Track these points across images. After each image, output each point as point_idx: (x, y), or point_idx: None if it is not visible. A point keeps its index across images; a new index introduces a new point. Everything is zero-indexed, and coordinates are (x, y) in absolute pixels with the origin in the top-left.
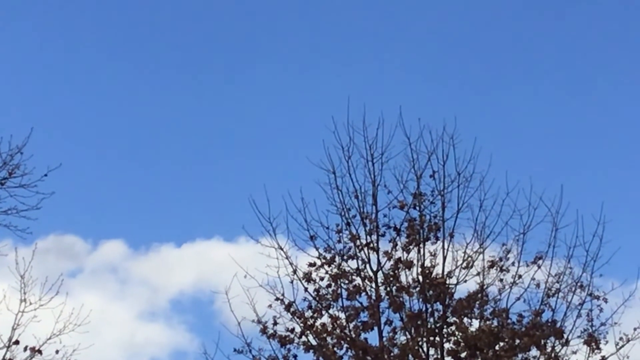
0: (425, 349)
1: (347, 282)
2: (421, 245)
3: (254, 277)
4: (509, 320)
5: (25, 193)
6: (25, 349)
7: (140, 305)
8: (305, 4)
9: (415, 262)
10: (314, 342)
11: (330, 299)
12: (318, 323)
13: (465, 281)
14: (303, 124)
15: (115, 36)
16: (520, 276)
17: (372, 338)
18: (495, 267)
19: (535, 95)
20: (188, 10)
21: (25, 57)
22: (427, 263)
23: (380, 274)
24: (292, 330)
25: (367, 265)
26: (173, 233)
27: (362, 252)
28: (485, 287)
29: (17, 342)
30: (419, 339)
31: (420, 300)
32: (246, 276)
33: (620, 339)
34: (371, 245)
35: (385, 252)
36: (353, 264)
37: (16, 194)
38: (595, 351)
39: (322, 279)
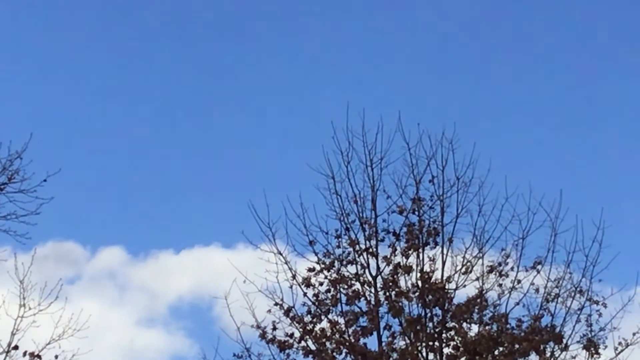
0: (424, 354)
1: (346, 287)
2: (420, 250)
3: (253, 282)
4: (508, 325)
5: (25, 198)
6: (24, 354)
7: (139, 311)
8: (304, 9)
9: (414, 267)
10: (313, 347)
11: (330, 304)
12: (317, 328)
13: (465, 286)
14: (302, 129)
15: (116, 42)
16: (519, 281)
17: (371, 343)
18: (494, 272)
19: (535, 101)
20: (185, 19)
21: (24, 62)
22: (426, 268)
23: (379, 279)
24: (292, 335)
25: (366, 270)
26: (172, 239)
27: (361, 257)
28: (484, 292)
29: (16, 347)
30: (418, 343)
31: (420, 305)
32: (245, 281)
33: (620, 343)
34: (370, 250)
35: (385, 257)
36: (352, 269)
37: (15, 199)
38: (595, 356)
39: (321, 284)
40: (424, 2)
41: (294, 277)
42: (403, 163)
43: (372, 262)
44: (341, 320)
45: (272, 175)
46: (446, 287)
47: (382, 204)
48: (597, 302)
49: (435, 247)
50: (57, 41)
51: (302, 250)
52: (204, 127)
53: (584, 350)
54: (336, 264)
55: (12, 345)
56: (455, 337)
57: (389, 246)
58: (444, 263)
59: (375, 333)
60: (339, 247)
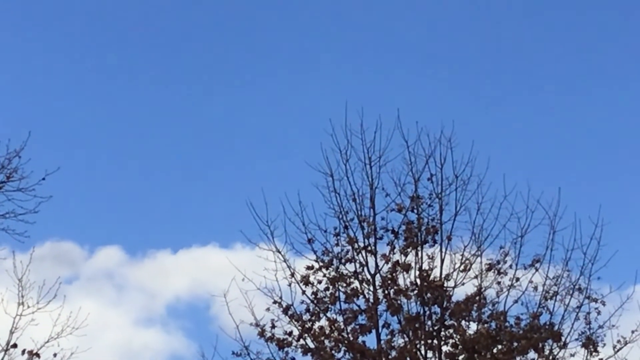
0: (423, 352)
1: (344, 285)
2: (419, 248)
3: (251, 280)
4: (507, 323)
5: (23, 197)
6: (23, 352)
7: (136, 311)
8: (302, 7)
9: (413, 265)
10: (311, 345)
11: (328, 302)
12: (316, 326)
13: (463, 284)
14: (301, 128)
15: (115, 40)
16: (518, 279)
17: (370, 341)
18: (493, 270)
19: (533, 99)
20: (183, 19)
21: (23, 61)
22: (425, 266)
23: (378, 277)
24: (290, 334)
25: (365, 268)
26: (169, 239)
27: (360, 255)
28: (483, 290)
29: (15, 346)
30: (417, 341)
31: (418, 303)
32: (244, 279)
33: (618, 341)
34: (369, 248)
35: (383, 255)
36: (351, 267)
37: (14, 197)
38: (593, 354)
39: (319, 282)
40: (422, 0)
41: (292, 275)
42: (402, 161)
43: (371, 260)
44: (340, 319)
45: (270, 173)
46: (445, 285)
47: (380, 202)
48: (595, 300)
49: (433, 245)
50: (56, 39)
51: (301, 249)
52: (202, 127)
53: (583, 348)
54: (335, 262)
55: (11, 343)
56: (454, 335)
57: (387, 244)
58: (442, 261)
59: (374, 331)
60: (337, 245)
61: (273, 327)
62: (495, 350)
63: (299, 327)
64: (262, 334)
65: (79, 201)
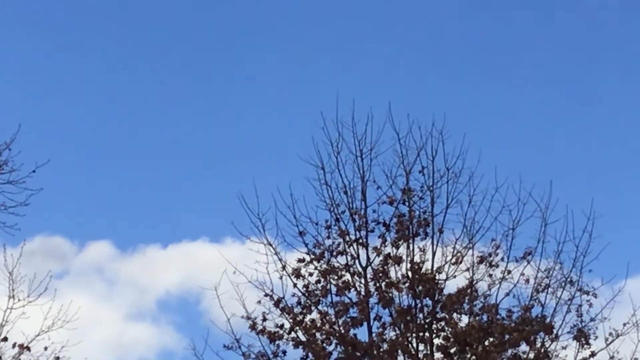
0: (414, 345)
1: (336, 278)
2: (410, 241)
3: (242, 273)
4: (499, 316)
5: (13, 189)
6: (13, 345)
7: (127, 305)
8: (294, 1)
9: (404, 257)
10: (303, 338)
11: (320, 295)
12: (307, 319)
13: (455, 277)
14: (292, 120)
15: (104, 32)
16: (509, 272)
17: (362, 334)
18: (484, 263)
19: (524, 91)
20: (176, 10)
21: (13, 54)
22: (417, 259)
23: (369, 270)
24: (282, 326)
25: (357, 261)
26: (159, 234)
27: (351, 248)
28: (474, 282)
29: (5, 339)
30: (409, 334)
31: (410, 295)
32: (235, 272)
33: (610, 334)
34: (360, 241)
35: (375, 248)
36: (342, 259)
37: (4, 190)
38: (585, 346)
39: (311, 274)
40: None
41: (283, 268)
42: (393, 154)
43: (362, 252)
44: (331, 311)
45: (261, 166)
46: (436, 277)
47: (372, 194)
48: (587, 293)
49: (425, 238)
50: (46, 32)
51: (292, 242)
52: (193, 121)
53: (575, 341)
54: (326, 254)
55: (1, 337)
56: (446, 328)
57: (379, 237)
58: (434, 254)
59: (365, 324)
60: (329, 238)
61: (264, 320)
62: (486, 343)
63: (290, 320)
64: (253, 327)
65: (69, 195)
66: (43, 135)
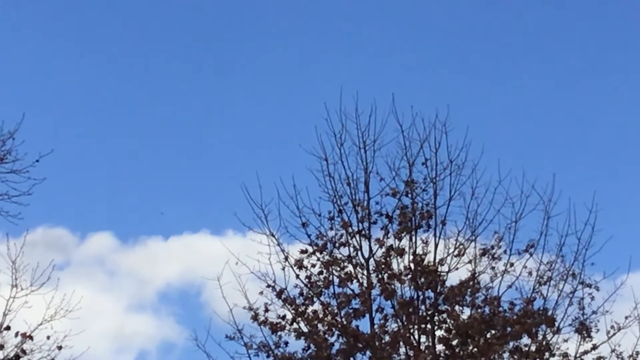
0: (416, 337)
1: (338, 269)
2: (413, 233)
3: (245, 263)
4: (501, 308)
5: (17, 179)
6: (16, 334)
7: (128, 297)
8: None
9: (407, 249)
10: (305, 329)
11: (322, 286)
12: (309, 310)
13: (457, 269)
14: (295, 111)
15: (108, 23)
16: (512, 264)
17: (364, 325)
18: (487, 255)
19: (528, 84)
20: (180, 4)
21: (17, 43)
22: (419, 250)
23: (371, 262)
24: (284, 317)
25: (359, 253)
26: (160, 226)
27: (354, 240)
28: (476, 275)
29: (8, 328)
30: (411, 326)
31: (412, 287)
32: (237, 263)
33: (612, 327)
34: (363, 232)
35: (377, 240)
36: (345, 251)
37: (7, 179)
38: (587, 339)
39: (313, 266)
40: None
41: (286, 259)
42: (396, 145)
43: (365, 244)
44: (333, 303)
45: (265, 157)
46: (439, 269)
47: (375, 186)
48: (589, 286)
49: (428, 230)
50: (49, 22)
51: (295, 233)
52: (195, 112)
53: (576, 334)
54: (329, 246)
55: (4, 325)
56: (448, 320)
57: (381, 228)
58: (436, 246)
59: (367, 315)
60: (331, 229)
61: (266, 310)
62: (488, 335)
63: (293, 311)
64: (255, 317)
65: (71, 187)
66: (46, 125)
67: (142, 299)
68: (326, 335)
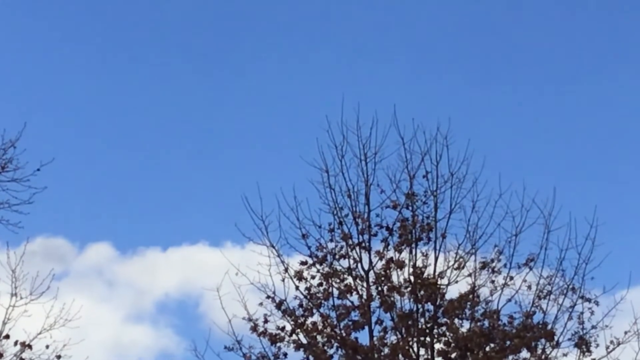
0: (415, 349)
1: (338, 281)
2: (413, 246)
3: (245, 274)
4: (500, 322)
5: (18, 187)
6: (15, 343)
7: (126, 307)
8: (299, 1)
9: (407, 262)
10: (304, 341)
11: (321, 298)
12: (309, 322)
13: (457, 282)
14: (296, 123)
15: (113, 33)
16: (511, 278)
17: (363, 337)
18: (486, 269)
19: (529, 98)
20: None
21: (19, 51)
22: (419, 263)
23: (371, 274)
24: (283, 329)
25: (359, 265)
26: (159, 237)
27: (354, 252)
28: (476, 288)
29: (7, 337)
30: (410, 339)
31: (412, 300)
32: (237, 273)
33: (611, 342)
34: (363, 244)
35: (377, 252)
36: (345, 263)
37: (8, 188)
38: (586, 354)
39: (313, 277)
40: None
41: (286, 270)
42: (397, 158)
43: (365, 256)
44: (333, 314)
45: (265, 168)
46: (438, 282)
47: (375, 198)
48: (589, 300)
49: (428, 243)
50: (51, 29)
51: (295, 244)
52: (195, 123)
53: (576, 348)
54: (329, 257)
55: (4, 334)
56: (447, 333)
57: (381, 241)
58: (436, 259)
59: (366, 328)
60: (331, 241)
61: (266, 322)
62: (487, 349)
63: (292, 323)
64: (254, 328)
65: (70, 197)
66: (48, 135)
67: (141, 309)
68: (325, 347)
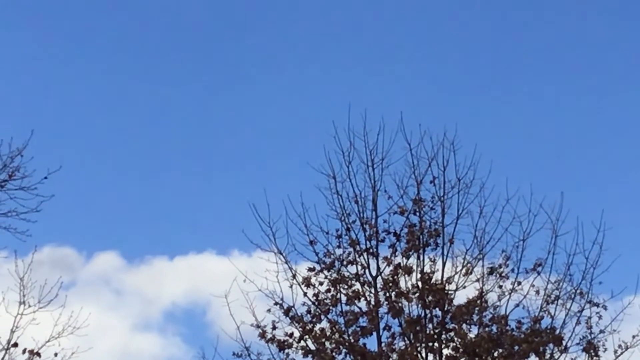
0: (423, 355)
1: (346, 287)
2: (421, 251)
3: (253, 281)
4: (508, 327)
5: (25, 195)
6: (24, 351)
7: (133, 316)
8: (306, 8)
9: (414, 267)
10: (312, 347)
11: (329, 304)
12: (317, 328)
13: (465, 287)
14: (304, 129)
15: (117, 41)
16: (519, 283)
17: (371, 343)
18: (494, 274)
19: (537, 102)
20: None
21: (26, 59)
22: (427, 269)
23: (379, 280)
24: (291, 335)
25: (367, 271)
26: (166, 246)
27: (362, 258)
28: (484, 293)
29: (16, 345)
30: (418, 344)
31: (419, 306)
32: (245, 280)
33: (619, 346)
34: (371, 250)
35: (385, 258)
36: (352, 269)
37: (16, 196)
38: (594, 358)
39: (321, 283)
40: (426, 3)
41: (294, 276)
42: (404, 164)
43: (373, 262)
44: (341, 321)
45: (273, 174)
46: (446, 288)
47: (383, 204)
48: (597, 305)
49: (435, 248)
50: (59, 37)
51: (303, 250)
52: (203, 130)
53: (584, 353)
54: (336, 264)
55: (12, 342)
56: (455, 339)
57: (389, 247)
58: (444, 264)
59: (374, 333)
60: (339, 247)
61: (274, 328)
62: (496, 354)
63: (300, 329)
64: (263, 335)
65: (77, 205)
66: (55, 143)
67: (148, 318)
68: (333, 353)
